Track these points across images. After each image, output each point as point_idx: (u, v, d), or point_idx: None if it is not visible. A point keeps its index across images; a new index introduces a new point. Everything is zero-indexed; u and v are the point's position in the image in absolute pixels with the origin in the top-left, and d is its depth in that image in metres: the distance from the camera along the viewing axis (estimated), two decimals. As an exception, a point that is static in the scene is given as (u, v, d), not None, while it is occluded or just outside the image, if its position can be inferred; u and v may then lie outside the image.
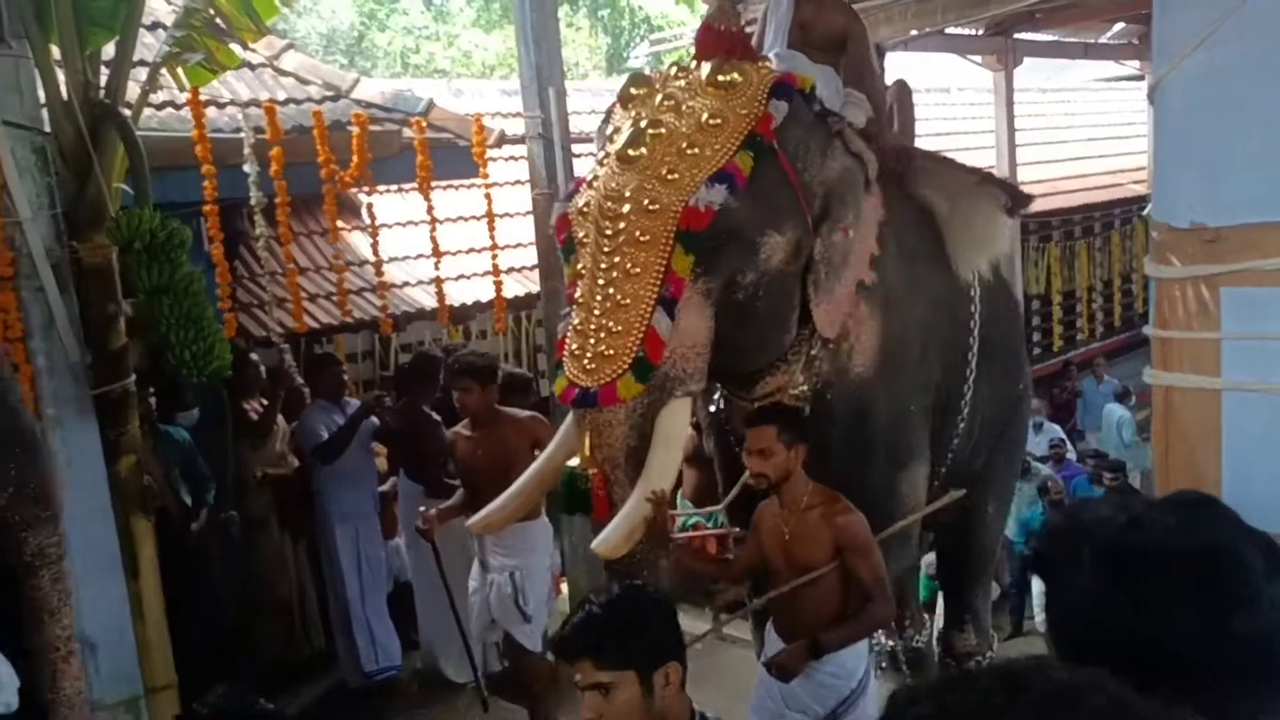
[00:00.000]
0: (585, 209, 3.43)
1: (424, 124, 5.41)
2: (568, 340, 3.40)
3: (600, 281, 3.34)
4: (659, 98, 3.51)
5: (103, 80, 4.24)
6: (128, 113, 4.26)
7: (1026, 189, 4.55)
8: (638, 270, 3.31)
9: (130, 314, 4.53)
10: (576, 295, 3.42)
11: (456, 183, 7.16)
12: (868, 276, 3.67)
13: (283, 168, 4.87)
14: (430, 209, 5.44)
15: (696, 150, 3.35)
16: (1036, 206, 6.37)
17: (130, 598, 4.40)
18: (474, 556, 4.86)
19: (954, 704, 0.71)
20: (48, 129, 4.15)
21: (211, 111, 5.02)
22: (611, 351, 3.29)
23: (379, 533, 5.77)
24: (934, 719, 0.70)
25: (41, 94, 4.15)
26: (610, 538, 3.30)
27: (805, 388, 3.76)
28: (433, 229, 5.49)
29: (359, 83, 6.02)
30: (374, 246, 5.54)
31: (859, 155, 3.66)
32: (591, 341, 3.32)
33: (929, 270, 3.95)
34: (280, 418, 5.67)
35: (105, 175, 4.17)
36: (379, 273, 5.63)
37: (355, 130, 5.03)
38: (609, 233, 3.34)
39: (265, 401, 5.62)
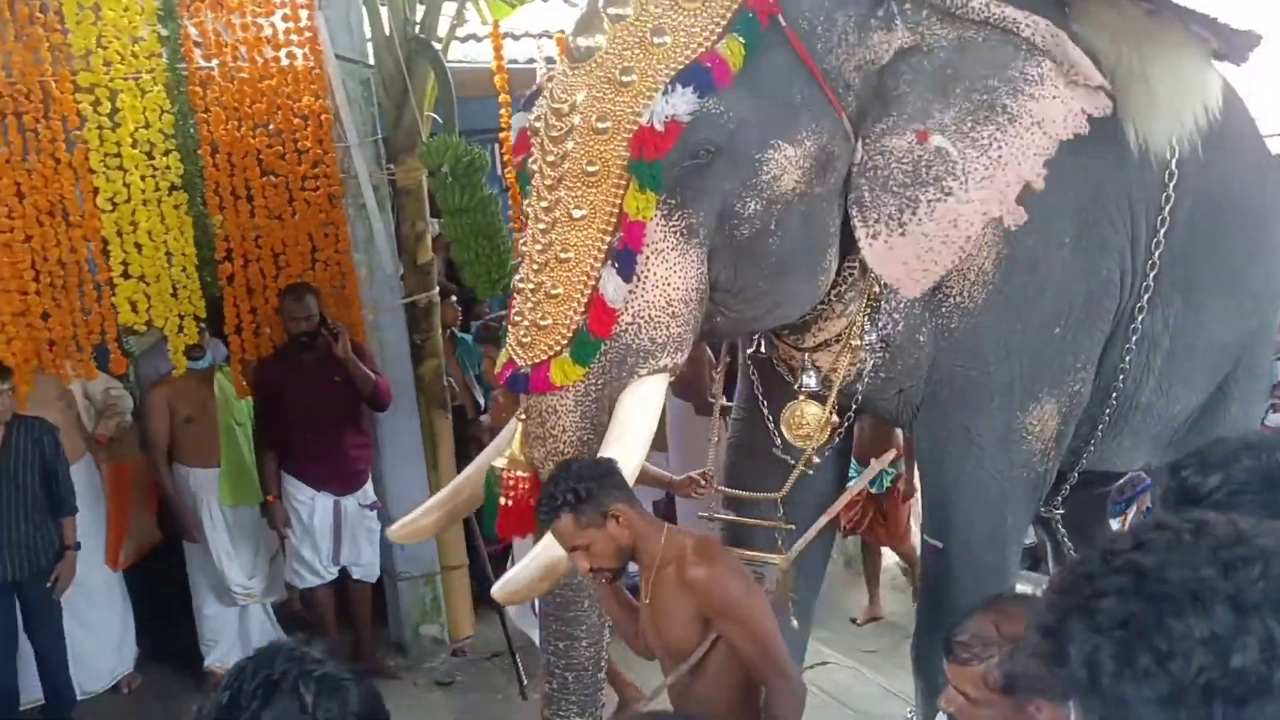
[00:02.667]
0: (537, 124, 2.62)
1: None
2: (514, 302, 2.64)
3: (541, 226, 2.54)
4: None
5: (418, 16, 4.64)
6: (438, 46, 4.64)
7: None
8: (583, 212, 2.48)
9: (436, 232, 5.00)
10: (522, 243, 2.68)
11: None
12: (1010, 216, 2.61)
13: (571, 96, 5.11)
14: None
15: (666, 39, 2.43)
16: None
17: (430, 486, 4.94)
18: None
19: (1151, 540, 0.85)
20: (371, 62, 4.61)
21: (509, 43, 5.35)
22: (548, 321, 2.51)
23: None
24: (1133, 551, 0.84)
25: (366, 30, 4.61)
26: (519, 577, 2.57)
27: (874, 336, 2.88)
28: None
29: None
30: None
31: (987, 20, 2.50)
32: (529, 306, 2.54)
33: (1089, 147, 2.72)
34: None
35: (418, 104, 4.59)
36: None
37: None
38: (551, 159, 2.53)
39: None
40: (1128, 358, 3.04)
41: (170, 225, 4.29)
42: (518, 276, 2.64)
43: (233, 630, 4.72)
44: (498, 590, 2.62)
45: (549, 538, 2.44)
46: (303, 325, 4.40)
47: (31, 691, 4.34)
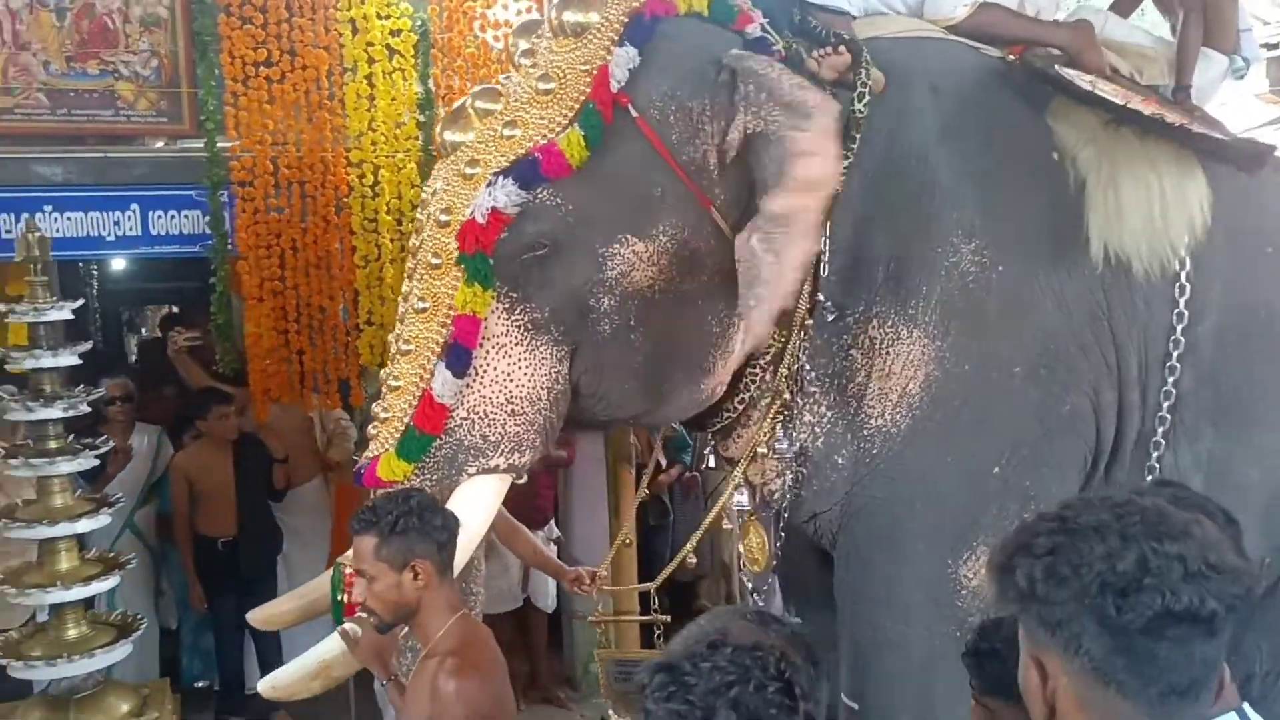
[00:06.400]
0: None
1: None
2: None
3: (399, 318, 2.55)
4: (531, 47, 2.53)
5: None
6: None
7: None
8: (425, 305, 2.45)
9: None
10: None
11: None
12: (779, 298, 2.40)
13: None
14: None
15: (517, 132, 2.41)
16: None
17: (609, 531, 5.36)
18: None
19: (1071, 503, 1.20)
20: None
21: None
22: (388, 414, 2.46)
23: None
24: (1059, 509, 1.20)
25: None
26: (289, 672, 2.47)
27: (785, 444, 2.65)
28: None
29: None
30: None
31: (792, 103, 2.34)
32: (380, 397, 2.53)
33: (1048, 262, 2.54)
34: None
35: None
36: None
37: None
38: (411, 251, 2.57)
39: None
40: None
41: (410, 282, 4.95)
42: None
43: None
44: (264, 686, 2.53)
45: (333, 636, 2.35)
46: None
47: (255, 679, 4.97)
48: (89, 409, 3.60)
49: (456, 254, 2.41)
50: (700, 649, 1.16)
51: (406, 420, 2.43)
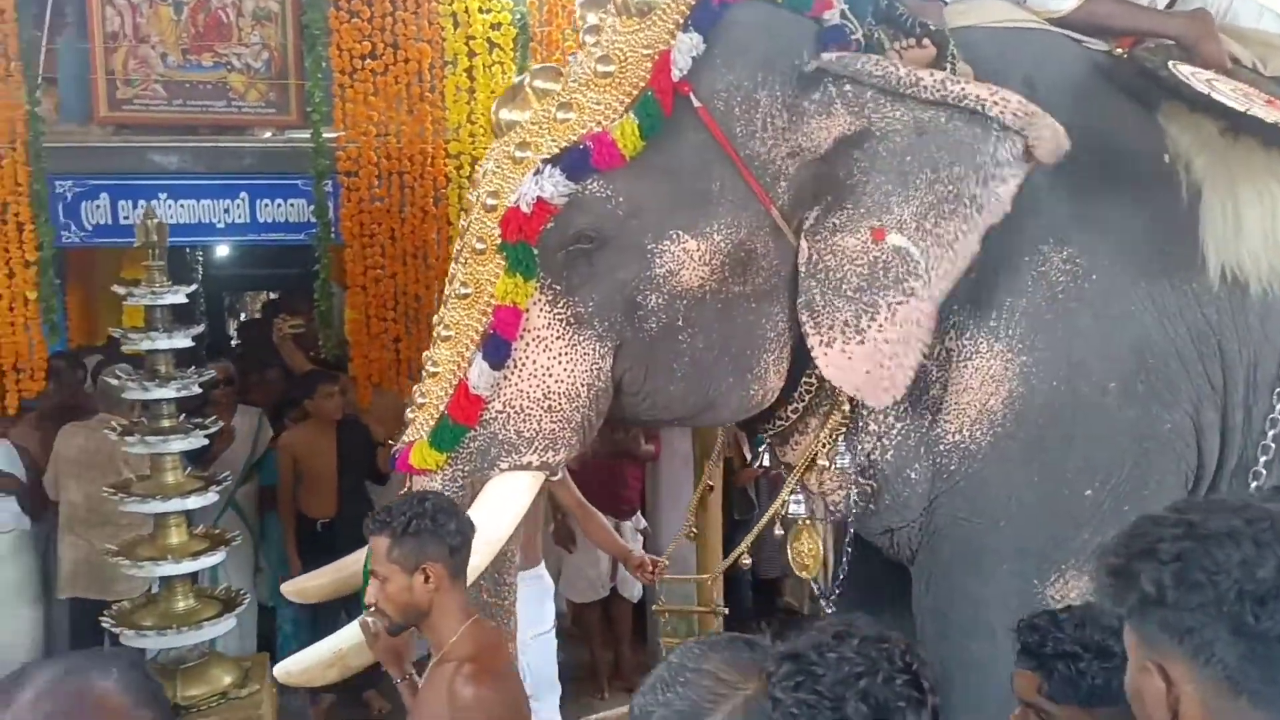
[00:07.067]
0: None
1: None
2: None
3: (444, 301, 2.48)
4: (597, 24, 2.42)
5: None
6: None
7: None
8: (468, 290, 2.37)
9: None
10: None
11: None
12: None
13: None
14: None
15: (570, 115, 2.30)
16: None
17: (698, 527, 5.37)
18: None
19: (1190, 506, 1.16)
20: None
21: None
22: (425, 400, 2.41)
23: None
24: (1179, 514, 1.16)
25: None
26: (305, 658, 2.45)
27: (846, 460, 2.50)
28: None
29: None
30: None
31: (944, 100, 2.19)
32: (421, 381, 2.46)
33: (1151, 273, 2.39)
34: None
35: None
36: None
37: None
38: (461, 232, 2.48)
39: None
40: None
41: (504, 272, 5.02)
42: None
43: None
44: (279, 671, 2.50)
45: (351, 625, 2.34)
46: None
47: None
48: (200, 389, 3.73)
49: (499, 241, 2.34)
50: (826, 639, 1.14)
51: (442, 408, 2.37)
